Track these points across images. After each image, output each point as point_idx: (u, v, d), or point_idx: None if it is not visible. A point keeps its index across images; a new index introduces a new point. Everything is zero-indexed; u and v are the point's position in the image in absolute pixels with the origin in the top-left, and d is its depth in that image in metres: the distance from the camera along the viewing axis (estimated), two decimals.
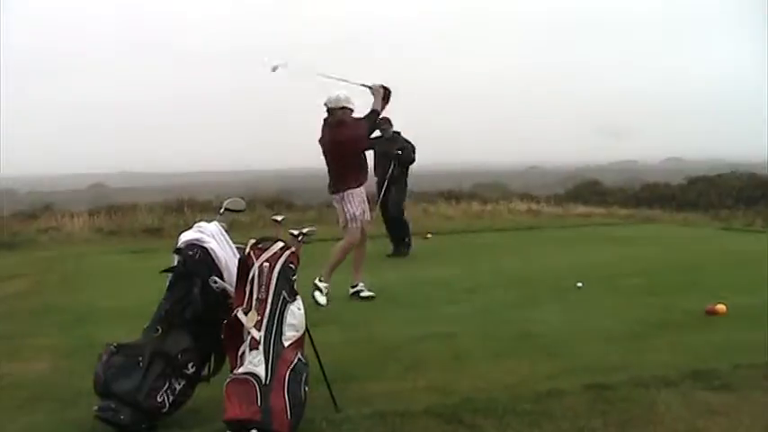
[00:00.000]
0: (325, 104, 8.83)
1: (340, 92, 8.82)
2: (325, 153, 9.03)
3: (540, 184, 49.27)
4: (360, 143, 9.01)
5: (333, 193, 9.05)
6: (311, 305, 7.86)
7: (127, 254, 14.30)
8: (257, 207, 20.59)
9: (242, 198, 5.71)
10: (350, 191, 8.91)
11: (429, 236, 16.35)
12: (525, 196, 27.68)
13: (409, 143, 12.79)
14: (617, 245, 14.50)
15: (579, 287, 9.24)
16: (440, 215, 21.58)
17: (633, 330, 7.07)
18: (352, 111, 8.87)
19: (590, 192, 33.36)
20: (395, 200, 12.79)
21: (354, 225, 8.88)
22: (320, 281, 8.57)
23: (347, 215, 8.87)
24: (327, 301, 8.47)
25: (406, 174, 12.94)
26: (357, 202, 8.91)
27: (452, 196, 25.84)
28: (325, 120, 8.95)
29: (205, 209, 19.82)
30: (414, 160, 12.85)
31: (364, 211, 8.95)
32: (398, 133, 12.77)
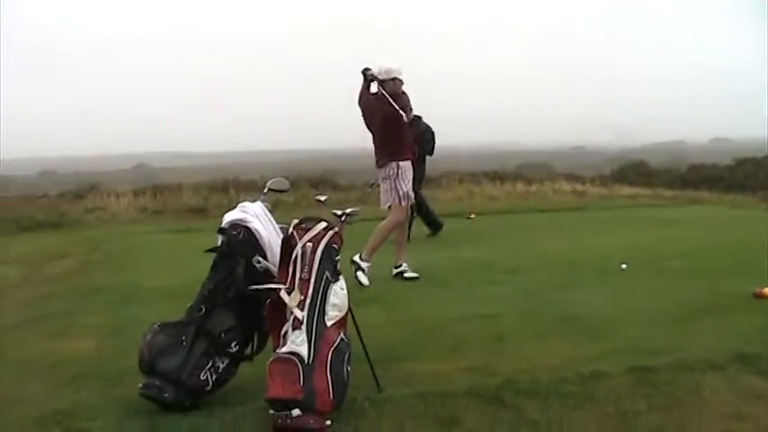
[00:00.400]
0: (367, 72, 8.78)
1: (389, 62, 8.76)
2: (373, 126, 8.93)
3: (586, 164, 48.83)
4: (409, 115, 8.93)
5: (382, 166, 8.93)
6: (354, 285, 7.88)
7: (171, 233, 14.40)
8: (301, 187, 20.66)
9: (286, 178, 5.73)
10: (404, 164, 8.84)
11: (473, 216, 16.29)
12: (570, 177, 27.44)
13: (429, 128, 12.38)
14: (662, 226, 14.33)
15: (623, 269, 9.17)
16: (484, 195, 21.51)
17: (678, 313, 7.00)
18: (402, 83, 8.79)
19: (636, 173, 33.06)
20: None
21: (404, 203, 8.87)
22: (361, 259, 8.58)
23: (399, 192, 8.79)
24: (369, 281, 8.49)
25: (423, 160, 12.24)
26: (408, 178, 8.87)
27: (497, 177, 25.69)
28: (367, 89, 8.88)
29: (249, 188, 19.90)
30: (433, 149, 12.46)
31: (410, 190, 8.91)
32: (419, 117, 11.96)
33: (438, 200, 20.16)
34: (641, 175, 32.21)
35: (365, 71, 8.77)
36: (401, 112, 8.62)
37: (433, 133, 12.40)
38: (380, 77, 8.70)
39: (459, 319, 6.91)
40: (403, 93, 8.79)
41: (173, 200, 19.47)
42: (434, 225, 13.09)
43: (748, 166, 31.70)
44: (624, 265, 9.24)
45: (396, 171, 8.79)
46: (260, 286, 4.73)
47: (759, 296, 7.49)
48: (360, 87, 9.00)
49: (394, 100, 8.59)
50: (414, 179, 9.25)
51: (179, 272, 9.29)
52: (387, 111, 8.61)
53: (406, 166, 8.85)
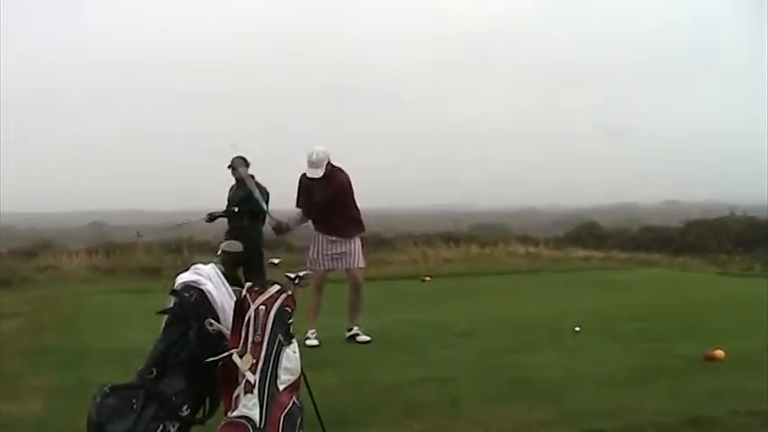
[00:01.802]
0: (311, 161, 8.74)
1: (317, 147, 8.77)
2: (320, 209, 8.96)
3: (539, 225, 49.26)
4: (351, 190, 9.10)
5: (338, 237, 8.99)
6: (307, 350, 7.85)
7: (124, 293, 14.23)
8: None
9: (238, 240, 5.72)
10: (358, 237, 9.08)
11: (427, 278, 16.33)
12: (524, 239, 27.66)
13: (261, 188, 10.29)
14: (615, 289, 14.48)
15: (577, 332, 9.22)
16: (438, 257, 21.59)
17: (630, 376, 7.04)
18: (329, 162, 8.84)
19: (588, 234, 33.33)
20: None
21: (362, 268, 9.06)
22: (357, 328, 9.01)
23: (357, 259, 8.97)
24: (319, 341, 8.55)
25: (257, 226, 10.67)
26: (311, 246, 9.11)
27: (451, 238, 25.82)
28: (308, 177, 8.83)
29: (203, 249, 19.79)
30: (265, 211, 9.97)
31: (313, 259, 9.07)
32: (252, 177, 10.32)
33: (393, 262, 20.19)
34: (594, 236, 32.48)
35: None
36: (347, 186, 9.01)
37: (267, 194, 10.49)
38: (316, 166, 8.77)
39: (413, 382, 6.89)
40: (339, 170, 8.95)
41: (126, 259, 19.30)
42: None
43: (698, 228, 32.09)
44: (578, 328, 9.29)
45: (354, 242, 9.05)
46: (216, 357, 4.68)
47: (710, 359, 7.56)
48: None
49: (339, 176, 8.94)
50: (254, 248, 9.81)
51: (131, 333, 9.18)
52: (335, 190, 8.87)
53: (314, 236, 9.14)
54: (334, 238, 8.93)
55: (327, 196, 8.77)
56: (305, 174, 8.81)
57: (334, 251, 8.92)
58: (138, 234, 7.14)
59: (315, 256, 8.98)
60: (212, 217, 10.74)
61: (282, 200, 9.64)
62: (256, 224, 10.48)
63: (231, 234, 10.33)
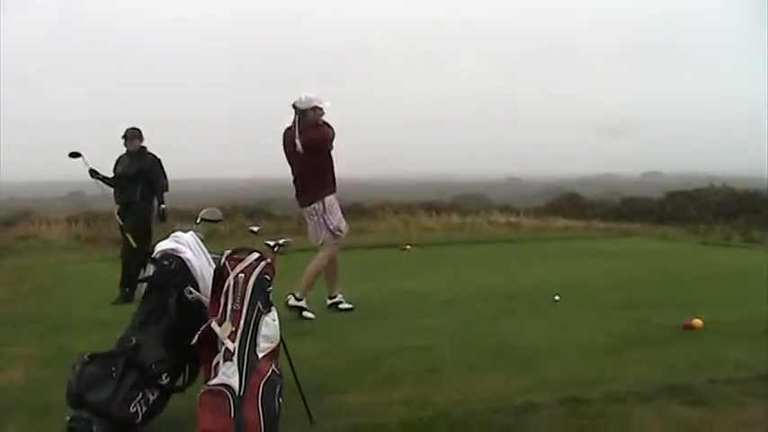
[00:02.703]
0: (294, 105, 8.51)
1: (309, 92, 8.53)
2: (294, 161, 8.66)
3: (521, 196, 49.34)
4: (331, 144, 8.76)
5: (308, 204, 8.71)
6: (287, 317, 7.83)
7: (104, 262, 14.16)
8: (237, 216, 20.54)
9: (221, 207, 5.69)
10: (329, 198, 8.67)
11: (408, 247, 16.35)
12: (505, 209, 27.73)
13: (157, 160, 10.46)
14: (595, 258, 14.53)
15: (557, 300, 9.25)
16: (419, 227, 21.61)
17: (610, 344, 7.06)
18: (323, 112, 8.59)
19: (570, 205, 33.44)
20: (133, 223, 10.29)
21: (336, 237, 8.76)
22: (297, 300, 8.50)
23: (329, 226, 8.63)
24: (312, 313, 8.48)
25: (158, 198, 10.42)
26: (336, 210, 8.73)
27: (432, 208, 25.84)
28: (292, 124, 8.60)
29: (184, 217, 19.69)
30: (166, 185, 10.46)
31: (341, 221, 8.79)
32: (144, 148, 10.42)
33: (373, 231, 20.21)
34: (575, 207, 32.60)
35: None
36: (320, 142, 8.59)
37: (161, 166, 10.54)
38: (300, 107, 8.52)
39: (394, 350, 6.89)
40: (325, 123, 8.63)
41: (106, 228, 19.19)
42: (129, 285, 10.00)
43: (679, 199, 32.25)
44: (557, 297, 9.32)
45: (322, 206, 8.64)
46: (199, 331, 4.65)
47: (688, 327, 7.60)
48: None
49: (319, 130, 8.54)
50: (142, 224, 9.84)
51: (110, 302, 9.16)
52: (311, 142, 8.50)
53: (332, 199, 8.73)
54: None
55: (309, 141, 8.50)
56: (288, 127, 8.63)
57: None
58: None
59: (339, 224, 8.77)
60: (93, 173, 10.34)
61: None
62: (148, 201, 10.34)
63: (123, 209, 10.39)
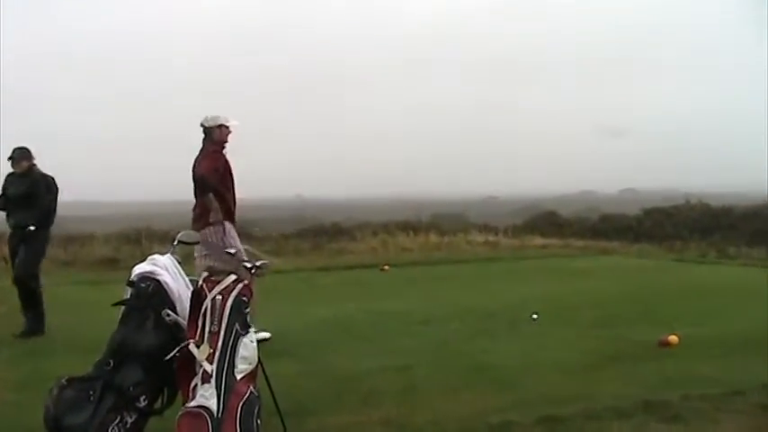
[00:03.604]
0: (201, 124, 8.09)
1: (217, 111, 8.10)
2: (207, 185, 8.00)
3: (499, 214, 49.41)
4: (211, 181, 8.02)
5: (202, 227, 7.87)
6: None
7: (82, 285, 14.12)
8: None
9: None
10: (228, 224, 8.10)
11: (386, 267, 16.37)
12: (483, 228, 27.77)
13: (48, 179, 9.47)
14: (573, 277, 14.62)
15: (535, 319, 9.29)
16: (398, 247, 21.63)
17: (587, 362, 7.13)
18: (229, 131, 8.16)
19: (547, 223, 33.50)
20: (24, 258, 9.46)
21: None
22: None
23: (240, 250, 7.49)
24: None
25: (46, 224, 9.55)
26: (234, 235, 8.15)
27: (410, 227, 25.86)
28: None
29: (163, 239, 19.66)
30: (52, 208, 9.51)
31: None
32: (34, 165, 9.46)
33: (352, 252, 20.24)
34: (553, 225, 32.66)
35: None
36: (201, 179, 8.00)
37: (56, 188, 9.57)
38: (206, 125, 8.10)
39: (373, 370, 6.91)
40: (217, 153, 8.12)
41: (84, 251, 19.12)
42: (36, 323, 9.46)
43: (655, 216, 32.42)
44: (535, 316, 9.38)
45: (230, 230, 8.10)
46: (174, 350, 4.65)
47: (664, 344, 7.68)
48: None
49: (204, 160, 8.02)
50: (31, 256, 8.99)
51: (89, 325, 9.11)
52: (194, 173, 8.07)
53: (209, 233, 7.93)
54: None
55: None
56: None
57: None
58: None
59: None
60: None
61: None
62: (43, 229, 9.44)
63: (12, 233, 9.51)
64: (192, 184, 8.14)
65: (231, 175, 8.30)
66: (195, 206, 8.17)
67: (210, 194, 7.97)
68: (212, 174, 8.00)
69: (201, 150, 8.15)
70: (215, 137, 8.07)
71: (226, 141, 8.17)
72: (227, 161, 8.21)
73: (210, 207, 7.97)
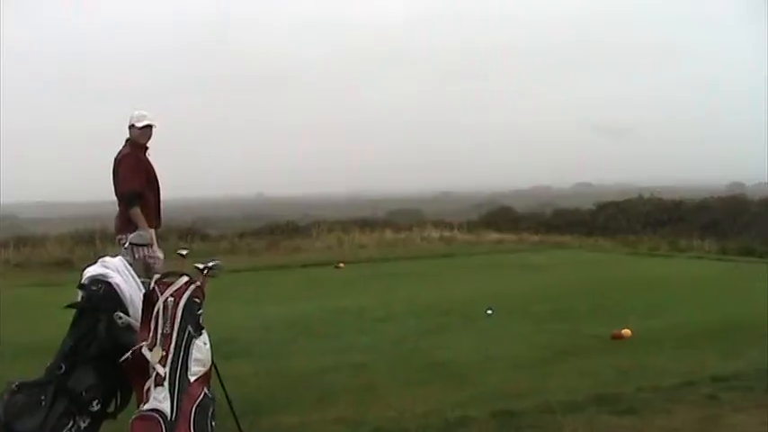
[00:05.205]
0: (133, 125, 7.43)
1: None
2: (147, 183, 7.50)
3: (454, 210, 49.71)
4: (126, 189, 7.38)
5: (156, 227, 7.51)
6: (222, 338, 7.78)
7: (35, 287, 13.97)
8: (169, 238, 20.34)
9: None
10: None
11: (342, 265, 16.38)
12: (439, 223, 27.90)
13: None
14: (527, 271, 14.73)
15: (489, 314, 9.35)
16: (353, 244, 21.64)
17: (541, 356, 7.19)
18: (150, 131, 7.53)
19: (502, 218, 33.75)
20: None
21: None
22: None
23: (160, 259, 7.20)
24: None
25: None
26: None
27: (366, 224, 25.91)
28: (131, 142, 7.49)
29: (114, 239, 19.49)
30: None
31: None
32: None
33: (307, 249, 20.21)
34: (508, 220, 32.91)
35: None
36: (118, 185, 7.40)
37: None
38: (130, 122, 7.45)
39: (329, 368, 6.92)
40: (133, 156, 7.45)
41: (37, 252, 18.92)
42: None
43: (609, 210, 32.80)
44: (490, 311, 9.43)
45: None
46: (126, 354, 4.61)
47: (617, 337, 7.78)
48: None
49: (122, 162, 7.40)
50: None
51: (42, 328, 8.99)
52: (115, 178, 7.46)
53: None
54: None
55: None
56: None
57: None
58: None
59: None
60: None
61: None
62: None
63: None
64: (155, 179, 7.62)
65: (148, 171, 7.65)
66: (157, 201, 7.71)
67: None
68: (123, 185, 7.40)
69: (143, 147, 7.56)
70: (133, 135, 7.49)
71: (140, 142, 7.51)
72: (138, 161, 7.51)
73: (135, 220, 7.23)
